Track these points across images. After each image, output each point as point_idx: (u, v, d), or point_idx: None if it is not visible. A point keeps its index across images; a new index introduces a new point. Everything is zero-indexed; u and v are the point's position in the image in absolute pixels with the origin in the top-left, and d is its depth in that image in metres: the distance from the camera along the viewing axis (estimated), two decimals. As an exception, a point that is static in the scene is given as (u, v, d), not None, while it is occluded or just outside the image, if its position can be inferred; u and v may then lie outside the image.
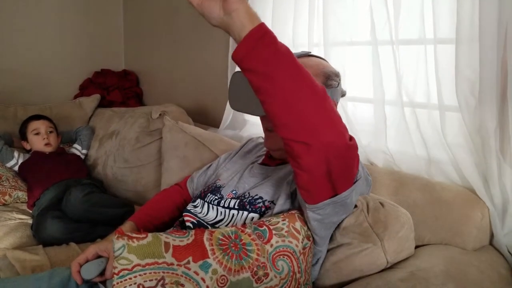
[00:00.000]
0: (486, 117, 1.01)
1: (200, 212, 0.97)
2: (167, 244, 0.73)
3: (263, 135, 1.00)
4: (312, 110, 0.66)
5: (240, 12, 0.64)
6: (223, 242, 0.76)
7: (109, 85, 2.59)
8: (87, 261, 0.90)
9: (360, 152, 0.77)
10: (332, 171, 0.72)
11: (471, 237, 1.02)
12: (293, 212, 0.87)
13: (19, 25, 2.39)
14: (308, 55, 0.98)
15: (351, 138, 0.71)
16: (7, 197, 1.72)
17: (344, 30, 1.35)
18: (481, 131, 1.03)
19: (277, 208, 0.90)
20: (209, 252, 0.74)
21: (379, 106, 1.26)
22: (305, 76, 0.66)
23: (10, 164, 1.90)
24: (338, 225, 0.91)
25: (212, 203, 0.98)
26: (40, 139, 1.95)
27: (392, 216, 0.91)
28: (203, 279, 0.72)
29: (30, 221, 1.59)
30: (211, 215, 0.95)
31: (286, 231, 0.82)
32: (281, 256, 0.80)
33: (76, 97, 2.57)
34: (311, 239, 0.86)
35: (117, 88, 2.58)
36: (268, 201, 0.92)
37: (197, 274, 0.72)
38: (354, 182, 0.80)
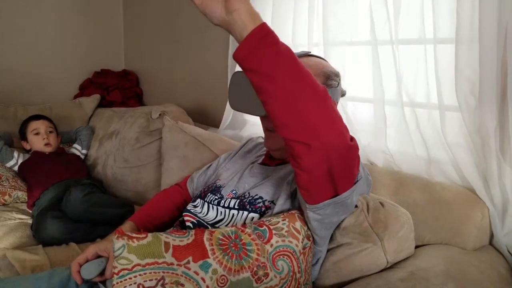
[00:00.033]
0: (486, 117, 1.01)
1: (200, 212, 0.97)
2: (167, 244, 0.73)
3: (263, 135, 1.00)
4: (313, 111, 0.66)
5: (242, 12, 0.64)
6: (223, 242, 0.76)
7: (109, 85, 2.59)
8: (87, 261, 0.90)
9: (360, 152, 0.77)
10: (333, 171, 0.71)
11: (471, 237, 1.02)
12: (293, 212, 0.87)
13: (19, 25, 2.39)
14: (308, 55, 0.98)
15: (352, 139, 0.71)
16: (7, 197, 1.72)
17: (344, 30, 1.35)
18: (481, 131, 1.03)
19: (277, 208, 0.90)
20: (209, 252, 0.74)
21: (379, 106, 1.26)
22: (306, 77, 0.66)
23: (10, 164, 1.90)
24: (338, 225, 0.91)
25: (212, 203, 0.98)
26: (40, 139, 1.95)
27: (392, 216, 0.92)
28: (203, 279, 0.72)
29: (30, 221, 1.59)
30: (211, 215, 0.95)
31: (286, 231, 0.82)
32: (281, 256, 0.80)
33: (76, 97, 2.57)
34: (311, 239, 0.86)
35: (117, 88, 2.58)
36: (268, 201, 0.92)
37: (197, 274, 0.72)
38: (355, 183, 0.80)
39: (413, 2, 1.16)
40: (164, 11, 2.40)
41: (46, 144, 1.95)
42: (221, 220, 0.93)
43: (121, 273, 0.68)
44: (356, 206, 0.91)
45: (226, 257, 0.75)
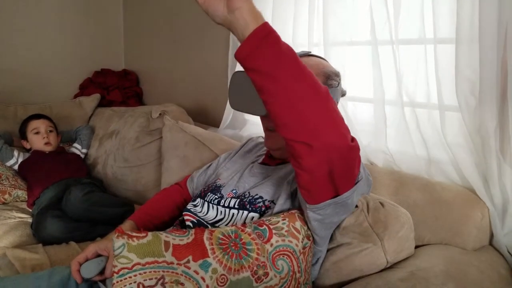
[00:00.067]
0: (486, 117, 1.01)
1: (200, 212, 0.97)
2: (167, 243, 0.73)
3: (263, 134, 1.00)
4: (315, 111, 0.66)
5: (244, 11, 0.64)
6: (223, 242, 0.76)
7: (109, 84, 2.59)
8: (87, 260, 0.90)
9: (360, 152, 0.77)
10: (334, 171, 0.71)
11: (471, 237, 1.02)
12: (293, 211, 0.87)
13: (19, 25, 2.38)
14: (308, 54, 0.98)
15: (353, 139, 0.71)
16: (6, 196, 1.72)
17: (344, 30, 1.35)
18: (481, 131, 1.03)
19: (277, 208, 0.90)
20: (209, 251, 0.74)
21: (379, 106, 1.26)
22: (308, 77, 0.66)
23: (10, 163, 1.89)
24: (338, 225, 0.91)
25: (212, 202, 0.98)
26: (40, 138, 1.95)
27: (392, 216, 0.92)
28: (203, 278, 0.72)
29: (30, 220, 1.59)
30: (211, 214, 0.95)
31: (286, 231, 0.82)
32: (281, 256, 0.80)
33: (76, 96, 2.57)
34: (311, 238, 0.86)
35: (117, 88, 2.58)
36: (268, 201, 0.92)
37: (197, 273, 0.72)
38: (356, 183, 0.80)
39: (413, 2, 1.16)
40: (164, 11, 2.41)
41: (46, 143, 1.95)
42: (221, 220, 0.93)
43: (121, 272, 0.68)
44: (356, 206, 0.91)
45: (226, 257, 0.75)
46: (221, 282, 0.73)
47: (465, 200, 1.06)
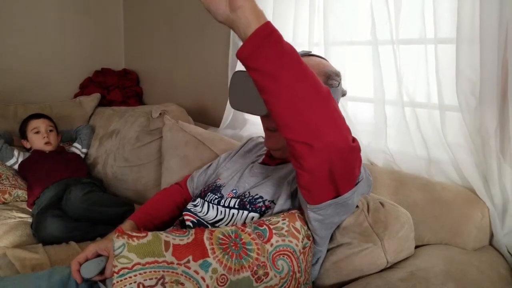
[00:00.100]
0: (486, 117, 1.01)
1: (200, 211, 0.97)
2: (167, 243, 0.73)
3: (263, 134, 1.00)
4: (316, 111, 0.66)
5: (246, 9, 0.64)
6: (223, 241, 0.76)
7: (109, 84, 2.59)
8: (87, 259, 0.90)
9: (361, 152, 0.77)
10: (335, 172, 0.71)
11: (471, 237, 1.02)
12: (293, 211, 0.87)
13: (19, 25, 2.38)
14: (308, 54, 0.98)
15: (354, 140, 0.71)
16: (7, 196, 1.72)
17: (344, 30, 1.35)
18: (481, 131, 1.03)
19: (277, 208, 0.89)
20: (209, 251, 0.74)
21: (379, 106, 1.26)
22: (310, 77, 0.66)
23: (10, 162, 1.89)
24: (338, 225, 0.91)
25: (212, 202, 0.98)
26: (40, 137, 1.95)
27: (392, 216, 0.92)
28: (203, 278, 0.72)
29: (30, 220, 1.59)
30: (211, 214, 0.95)
31: (286, 231, 0.82)
32: (281, 256, 0.80)
33: (76, 96, 2.57)
34: (311, 238, 0.86)
35: (117, 87, 2.58)
36: (268, 201, 0.92)
37: (197, 273, 0.72)
38: (356, 184, 0.80)
39: (414, 2, 1.16)
40: (164, 11, 2.40)
41: (46, 143, 1.95)
42: (221, 220, 0.93)
43: (121, 272, 0.68)
44: (357, 207, 0.91)
45: (226, 257, 0.75)
46: (221, 282, 0.73)
47: (465, 200, 1.06)
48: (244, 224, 0.85)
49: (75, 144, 2.09)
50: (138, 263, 0.69)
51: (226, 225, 0.92)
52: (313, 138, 0.66)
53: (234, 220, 0.91)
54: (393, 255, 0.90)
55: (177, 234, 0.75)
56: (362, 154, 0.77)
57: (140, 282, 0.68)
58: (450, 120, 1.12)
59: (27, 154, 1.94)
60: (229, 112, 1.84)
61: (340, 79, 0.97)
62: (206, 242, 0.75)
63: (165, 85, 2.50)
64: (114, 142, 1.98)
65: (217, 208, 0.95)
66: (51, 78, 2.53)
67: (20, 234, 1.49)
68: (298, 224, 0.84)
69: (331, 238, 0.93)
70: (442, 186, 1.09)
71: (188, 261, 0.72)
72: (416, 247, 0.98)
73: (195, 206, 1.00)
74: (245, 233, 0.79)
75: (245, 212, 0.91)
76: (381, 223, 0.90)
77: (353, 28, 1.34)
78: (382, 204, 0.93)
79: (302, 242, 0.83)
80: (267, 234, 0.80)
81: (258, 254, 0.77)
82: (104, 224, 1.53)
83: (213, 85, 2.10)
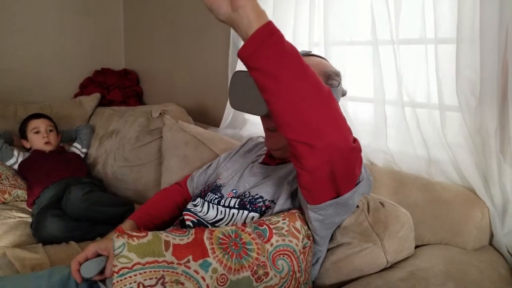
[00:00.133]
0: (486, 117, 1.01)
1: (200, 211, 0.97)
2: (167, 243, 0.72)
3: (263, 134, 1.00)
4: (317, 111, 0.66)
5: (247, 9, 0.64)
6: (223, 241, 0.76)
7: (109, 84, 2.59)
8: (87, 259, 0.90)
9: (361, 153, 0.77)
10: (335, 172, 0.71)
11: (471, 237, 1.02)
12: (293, 211, 0.87)
13: (19, 25, 2.38)
14: (308, 54, 0.98)
15: (355, 140, 0.71)
16: (6, 196, 1.72)
17: (344, 30, 1.35)
18: (481, 131, 1.03)
19: (277, 208, 0.89)
20: (209, 251, 0.74)
21: (379, 105, 1.26)
22: (311, 76, 0.66)
23: (9, 162, 1.89)
24: (339, 225, 0.91)
25: (213, 202, 0.98)
26: (40, 137, 1.95)
27: (392, 216, 0.92)
28: (203, 278, 0.72)
29: (30, 220, 1.59)
30: (211, 214, 0.95)
31: (286, 231, 0.82)
32: (281, 255, 0.80)
33: (76, 96, 2.57)
34: (311, 238, 0.86)
35: (117, 87, 2.58)
36: (269, 201, 0.92)
37: (197, 273, 0.72)
38: (357, 184, 0.80)
39: (414, 2, 1.16)
40: (164, 11, 2.40)
41: (46, 143, 1.95)
42: (221, 219, 0.93)
43: (121, 272, 0.68)
44: (357, 207, 0.91)
45: (226, 256, 0.75)
46: (221, 282, 0.73)
47: (465, 200, 1.06)
48: (244, 224, 0.85)
49: (75, 144, 2.09)
50: (138, 263, 0.69)
51: (226, 225, 0.92)
52: (314, 138, 0.66)
53: (234, 220, 0.91)
54: (393, 255, 0.90)
55: (177, 234, 0.75)
56: (362, 154, 0.77)
57: (140, 282, 0.68)
58: (450, 120, 1.12)
59: (27, 154, 1.94)
60: (229, 112, 1.84)
61: (340, 79, 0.97)
62: (206, 242, 0.75)
63: (165, 85, 2.50)
64: (114, 142, 1.98)
65: (217, 208, 0.95)
66: (51, 78, 2.53)
67: (20, 234, 1.49)
68: (298, 224, 0.84)
69: (331, 238, 0.93)
70: (442, 186, 1.09)
71: (188, 261, 0.72)
72: (416, 247, 0.98)
73: (195, 206, 1.00)
74: (245, 233, 0.79)
75: (245, 212, 0.91)
76: (381, 223, 0.90)
77: (353, 28, 1.34)
78: (382, 204, 0.93)
79: (302, 242, 0.83)
80: (267, 234, 0.80)
81: (258, 254, 0.77)
82: (104, 224, 1.53)
83: (213, 85, 2.10)
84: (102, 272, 0.87)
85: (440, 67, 1.11)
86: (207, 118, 2.13)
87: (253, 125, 1.76)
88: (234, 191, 1.00)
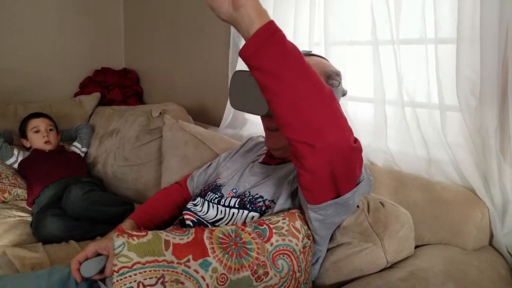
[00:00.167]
0: (486, 117, 1.01)
1: (200, 211, 0.97)
2: (167, 242, 0.73)
3: (263, 134, 1.00)
4: (318, 111, 0.65)
5: (249, 8, 0.64)
6: (223, 241, 0.76)
7: (109, 83, 2.59)
8: (86, 258, 0.90)
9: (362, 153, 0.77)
10: (336, 172, 0.71)
11: (471, 237, 1.02)
12: (293, 211, 0.87)
13: (19, 25, 2.38)
14: (309, 54, 0.98)
15: (356, 141, 0.71)
16: (6, 195, 1.72)
17: (344, 30, 1.35)
18: (481, 131, 1.03)
19: (277, 207, 0.89)
20: (209, 251, 0.74)
21: (379, 105, 1.26)
22: (312, 76, 0.66)
23: (9, 161, 1.89)
24: (339, 225, 0.91)
25: (213, 201, 0.98)
26: (40, 137, 1.95)
27: (392, 216, 0.92)
28: (203, 278, 0.72)
29: (30, 219, 1.59)
30: (211, 213, 0.95)
31: (286, 230, 0.82)
32: (281, 255, 0.80)
33: (76, 95, 2.57)
34: (311, 238, 0.86)
35: (117, 87, 2.58)
36: (269, 200, 0.92)
37: (197, 272, 0.72)
38: (357, 184, 0.80)
39: (414, 2, 1.16)
40: (164, 11, 2.40)
41: (46, 142, 1.95)
42: (221, 219, 0.93)
43: (121, 271, 0.68)
44: (357, 207, 0.91)
45: (226, 256, 0.75)
46: (221, 281, 0.73)
47: (465, 200, 1.06)
48: (244, 223, 0.85)
49: (75, 143, 2.08)
50: (138, 262, 0.69)
51: (226, 224, 0.92)
52: (315, 138, 0.66)
53: (234, 220, 0.91)
54: (393, 255, 0.90)
55: (177, 233, 0.75)
56: (362, 154, 0.77)
57: (140, 281, 0.68)
58: (450, 120, 1.12)
59: (27, 153, 1.94)
60: (229, 111, 1.84)
61: (341, 79, 0.97)
62: (206, 242, 0.75)
63: (165, 84, 2.50)
64: (114, 141, 1.98)
65: (217, 208, 0.95)
66: (51, 77, 2.53)
67: (20, 233, 1.49)
68: (298, 223, 0.84)
69: (331, 238, 0.93)
70: (442, 186, 1.09)
71: (188, 260, 0.72)
72: (416, 247, 0.98)
73: (195, 205, 1.00)
74: (245, 232, 0.79)
75: (245, 212, 0.91)
76: (381, 223, 0.90)
77: (353, 28, 1.34)
78: (382, 204, 0.93)
79: (302, 241, 0.83)
80: (267, 233, 0.80)
81: (258, 253, 0.77)
82: (104, 223, 1.53)
83: (213, 85, 2.10)
84: (102, 271, 0.87)
85: (440, 67, 1.11)
86: (207, 117, 2.13)
87: (253, 125, 1.76)
88: (234, 190, 1.00)
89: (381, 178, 1.15)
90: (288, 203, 0.90)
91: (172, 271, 0.70)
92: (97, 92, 2.48)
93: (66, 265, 0.96)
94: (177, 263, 0.71)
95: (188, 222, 0.95)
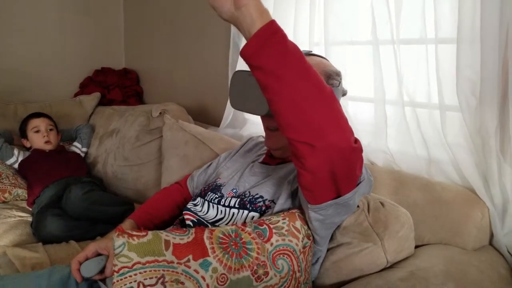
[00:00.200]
0: (486, 117, 1.01)
1: (200, 211, 0.97)
2: (167, 242, 0.73)
3: (263, 134, 1.00)
4: (319, 111, 0.65)
5: (250, 7, 0.64)
6: (223, 241, 0.76)
7: (109, 83, 2.59)
8: (87, 259, 0.90)
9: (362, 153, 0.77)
10: (336, 172, 0.71)
11: (471, 237, 1.02)
12: (293, 211, 0.87)
13: (19, 25, 2.38)
14: (309, 54, 0.98)
15: (356, 141, 0.71)
16: (7, 195, 1.72)
17: (344, 30, 1.35)
18: (481, 131, 1.03)
19: (277, 207, 0.89)
20: (209, 251, 0.74)
21: (379, 105, 1.26)
22: (313, 76, 0.66)
23: (10, 161, 1.89)
24: (339, 225, 0.91)
25: (213, 201, 0.98)
26: (40, 137, 1.95)
27: (392, 216, 0.92)
28: (203, 278, 0.72)
29: (30, 219, 1.59)
30: (211, 213, 0.95)
31: (286, 230, 0.82)
32: (281, 255, 0.80)
33: (76, 95, 2.57)
34: (311, 238, 0.86)
35: (117, 87, 2.58)
36: (269, 200, 0.92)
37: (197, 272, 0.72)
38: (357, 184, 0.80)
39: (414, 2, 1.16)
40: (164, 11, 2.40)
41: (46, 142, 1.95)
42: (221, 219, 0.93)
43: (121, 271, 0.68)
44: (357, 207, 0.91)
45: (226, 256, 0.75)
46: (221, 281, 0.73)
47: (465, 200, 1.06)
48: (244, 223, 0.85)
49: (75, 143, 2.09)
50: (138, 262, 0.69)
51: (226, 224, 0.92)
52: (315, 138, 0.66)
53: (234, 220, 0.91)
54: (393, 255, 0.90)
55: (177, 233, 0.75)
56: (363, 154, 0.77)
57: (140, 281, 0.68)
58: (450, 120, 1.12)
59: (27, 153, 1.94)
60: (229, 111, 1.84)
61: (341, 79, 0.97)
62: (206, 242, 0.75)
63: (165, 84, 2.50)
64: (114, 141, 1.98)
65: (217, 208, 0.95)
66: (51, 77, 2.53)
67: (20, 233, 1.49)
68: (298, 223, 0.84)
69: (331, 238, 0.93)
70: (442, 186, 1.09)
71: (188, 260, 0.72)
72: (416, 247, 0.98)
73: (195, 205, 1.00)
74: (245, 232, 0.79)
75: (245, 212, 0.91)
76: (381, 222, 0.90)
77: (354, 28, 1.34)
78: (382, 204, 0.93)
79: (302, 241, 0.83)
80: (267, 233, 0.80)
81: (258, 253, 0.77)
82: (104, 223, 1.53)
83: (213, 85, 2.10)
84: (102, 271, 0.87)
85: (441, 67, 1.11)
86: (207, 117, 2.13)
87: (253, 125, 1.76)
88: (234, 190, 1.00)
89: (381, 178, 1.15)
90: (288, 203, 0.90)
91: (172, 271, 0.70)
92: (97, 92, 2.48)
93: (66, 265, 0.96)
94: (177, 263, 0.71)
95: (188, 222, 0.95)
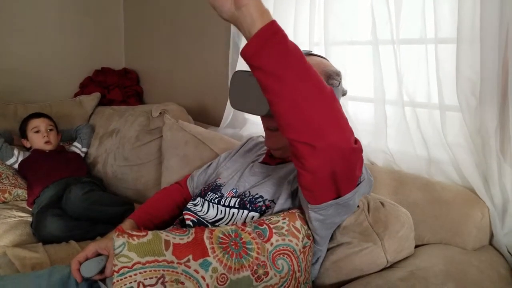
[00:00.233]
0: (486, 117, 1.01)
1: (200, 211, 0.97)
2: (167, 242, 0.73)
3: (263, 134, 1.00)
4: (319, 111, 0.65)
5: (251, 7, 0.63)
6: (223, 241, 0.76)
7: (109, 83, 2.59)
8: (87, 259, 0.90)
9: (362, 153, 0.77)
10: (336, 173, 0.71)
11: (471, 237, 1.02)
12: (293, 211, 0.87)
13: (19, 25, 2.38)
14: (309, 54, 0.98)
15: (356, 141, 0.71)
16: (7, 195, 1.72)
17: (344, 30, 1.35)
18: (481, 131, 1.03)
19: (277, 207, 0.90)
20: (209, 251, 0.74)
21: (379, 105, 1.26)
22: (313, 76, 0.66)
23: (10, 162, 1.89)
24: (339, 224, 0.91)
25: (213, 201, 0.98)
26: (40, 137, 1.95)
27: (392, 216, 0.92)
28: (203, 278, 0.72)
29: (30, 219, 1.59)
30: (211, 213, 0.95)
31: (286, 230, 0.82)
32: (281, 255, 0.80)
33: (76, 95, 2.57)
34: (311, 238, 0.86)
35: (117, 87, 2.58)
36: (269, 200, 0.92)
37: (197, 272, 0.72)
38: (358, 184, 0.80)
39: (414, 2, 1.16)
40: (164, 11, 2.40)
41: (46, 142, 1.95)
42: (221, 219, 0.93)
43: (121, 271, 0.68)
44: (357, 207, 0.91)
45: (226, 256, 0.75)
46: (221, 281, 0.73)
47: (465, 200, 1.06)
48: (244, 223, 0.85)
49: (75, 143, 2.09)
50: (138, 262, 0.69)
51: (226, 224, 0.92)
52: (315, 139, 0.66)
53: (234, 220, 0.92)
54: (393, 255, 0.90)
55: (177, 233, 0.75)
56: (363, 154, 0.77)
57: (140, 281, 0.68)
58: (450, 120, 1.12)
59: (27, 153, 1.94)
60: (229, 111, 1.84)
61: (341, 79, 0.97)
62: (206, 241, 0.75)
63: (165, 84, 2.50)
64: (114, 141, 1.98)
65: (217, 208, 0.95)
66: (51, 77, 2.53)
67: (20, 233, 1.49)
68: (298, 223, 0.84)
69: (331, 238, 0.93)
70: (442, 186, 1.10)
71: (188, 260, 0.72)
72: (416, 246, 0.98)
73: (195, 205, 1.00)
74: (245, 232, 0.79)
75: (245, 212, 0.91)
76: (381, 222, 0.90)
77: (353, 28, 1.34)
78: (382, 203, 0.93)
79: (302, 241, 0.83)
80: (267, 233, 0.80)
81: (258, 253, 0.77)
82: (104, 223, 1.53)
83: (213, 85, 2.10)
84: (102, 271, 0.87)
85: (440, 67, 1.11)
86: (207, 117, 2.13)
87: (253, 125, 1.76)
88: (234, 190, 1.00)
89: (381, 178, 1.15)
90: (288, 203, 0.90)
91: (172, 271, 0.70)
92: (97, 92, 2.48)
93: (66, 265, 0.96)
94: (177, 263, 0.71)
95: (188, 222, 0.95)
